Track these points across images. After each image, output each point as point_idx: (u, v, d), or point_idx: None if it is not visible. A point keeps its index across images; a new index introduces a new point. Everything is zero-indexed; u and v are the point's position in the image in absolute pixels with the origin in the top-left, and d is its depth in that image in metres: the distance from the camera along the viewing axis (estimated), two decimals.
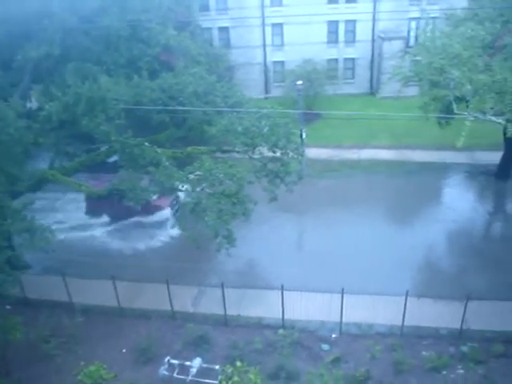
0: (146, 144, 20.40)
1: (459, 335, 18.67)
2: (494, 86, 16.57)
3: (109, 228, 26.98)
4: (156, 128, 22.98)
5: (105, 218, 27.54)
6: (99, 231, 26.74)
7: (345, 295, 18.34)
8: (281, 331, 18.95)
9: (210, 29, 39.84)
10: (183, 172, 19.52)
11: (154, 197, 22.98)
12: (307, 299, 19.72)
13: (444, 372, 17.44)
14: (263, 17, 39.99)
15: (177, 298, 20.06)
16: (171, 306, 19.92)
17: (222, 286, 18.94)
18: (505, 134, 19.33)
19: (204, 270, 22.57)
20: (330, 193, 28.62)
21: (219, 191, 19.17)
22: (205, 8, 39.44)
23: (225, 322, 19.70)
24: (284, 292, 18.67)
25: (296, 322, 19.37)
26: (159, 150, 20.56)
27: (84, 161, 23.64)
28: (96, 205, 27.06)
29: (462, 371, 17.47)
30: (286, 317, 19.17)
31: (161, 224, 26.47)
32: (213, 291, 20.14)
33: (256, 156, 20.71)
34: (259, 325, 19.59)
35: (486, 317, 19.04)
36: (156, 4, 25.47)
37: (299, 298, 19.54)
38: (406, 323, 18.66)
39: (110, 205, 26.40)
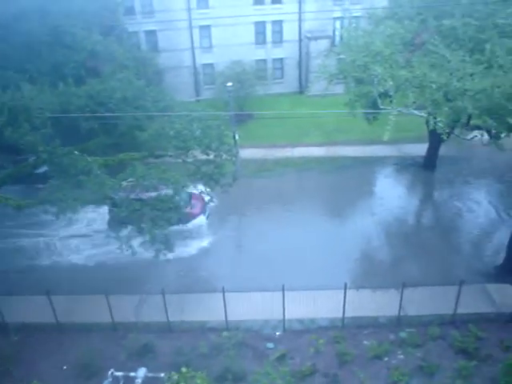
0: (76, 153, 19.77)
1: (398, 322, 19.32)
2: (415, 81, 17.30)
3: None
4: (85, 136, 22.29)
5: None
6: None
7: (286, 292, 18.54)
8: (225, 333, 18.93)
9: (136, 32, 39.21)
10: (116, 179, 19.07)
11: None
12: (250, 299, 19.91)
13: (385, 359, 17.99)
14: (190, 19, 39.83)
15: (117, 308, 19.55)
16: (112, 318, 19.43)
17: (163, 292, 18.68)
18: (428, 126, 20.23)
19: (144, 278, 22.16)
20: (266, 192, 28.87)
21: (154, 197, 18.88)
22: (130, 11, 38.75)
23: (168, 328, 19.44)
24: (226, 293, 18.63)
25: (240, 323, 19.39)
26: (90, 159, 19.97)
27: (11, 173, 22.59)
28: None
29: (402, 356, 18.08)
30: (229, 318, 19.14)
31: (195, 232, 25.44)
32: (154, 298, 19.80)
33: (189, 159, 20.56)
34: (203, 329, 19.47)
35: (421, 302, 19.82)
36: (79, 8, 24.74)
37: (242, 299, 19.69)
38: (346, 315, 19.10)
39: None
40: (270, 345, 18.76)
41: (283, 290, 18.39)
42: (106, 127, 21.94)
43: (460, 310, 19.14)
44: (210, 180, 20.52)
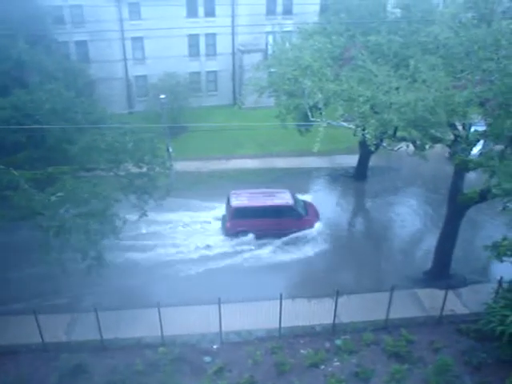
0: (1, 166, 18.91)
1: (333, 330, 19.68)
2: (343, 94, 17.86)
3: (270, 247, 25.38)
4: (12, 149, 21.45)
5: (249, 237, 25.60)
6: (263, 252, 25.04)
7: (223, 305, 18.48)
8: (161, 349, 18.57)
9: (66, 43, 38.11)
10: (44, 194, 18.37)
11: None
12: (186, 313, 19.73)
13: (322, 366, 18.27)
14: (122, 30, 39.26)
15: (48, 327, 18.77)
16: (41, 338, 18.60)
17: (96, 309, 18.12)
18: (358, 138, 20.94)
19: (76, 295, 21.42)
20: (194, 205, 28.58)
21: (85, 211, 18.33)
22: (59, 21, 37.61)
23: (102, 346, 18.84)
24: (162, 308, 18.32)
25: (176, 338, 19.10)
26: (16, 172, 19.16)
27: None
28: (240, 224, 25.29)
29: (338, 363, 18.43)
30: (165, 334, 18.81)
31: (310, 239, 25.77)
32: (87, 316, 19.13)
33: (122, 173, 20.17)
34: (139, 345, 19.01)
35: (355, 309, 20.37)
36: (3, 16, 23.80)
37: (178, 313, 19.44)
38: (283, 325, 19.25)
39: (259, 222, 25.18)
40: (208, 359, 18.58)
41: (219, 302, 18.31)
42: (34, 140, 21.20)
43: (392, 316, 19.78)
44: (143, 193, 20.19)
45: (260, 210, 25.40)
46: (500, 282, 19.81)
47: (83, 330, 19.27)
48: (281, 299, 18.57)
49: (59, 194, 18.32)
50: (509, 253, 15.67)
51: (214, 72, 42.89)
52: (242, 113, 35.00)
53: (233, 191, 26.59)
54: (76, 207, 18.35)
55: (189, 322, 19.43)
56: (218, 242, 25.59)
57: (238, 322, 19.49)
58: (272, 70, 21.32)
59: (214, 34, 41.29)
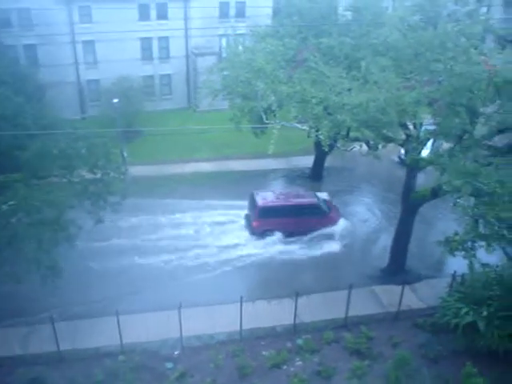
0: None
1: (294, 330, 19.81)
2: (296, 96, 18.08)
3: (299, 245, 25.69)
4: None
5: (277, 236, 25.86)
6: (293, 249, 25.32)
7: (183, 309, 18.32)
8: (121, 357, 18.25)
9: (14, 46, 36.97)
10: None
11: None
12: (145, 320, 19.45)
13: (284, 367, 18.34)
14: (73, 34, 38.42)
15: (1, 341, 18.16)
16: None
17: (52, 320, 17.65)
18: (312, 139, 21.22)
19: (31, 306, 20.80)
20: (156, 209, 28.25)
21: (38, 220, 17.80)
22: (6, 24, 36.49)
23: (60, 358, 18.33)
24: (120, 316, 18.00)
25: (136, 345, 18.77)
26: None
27: None
28: (266, 223, 25.30)
29: (300, 363, 18.54)
30: (125, 341, 18.46)
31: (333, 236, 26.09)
32: (44, 328, 18.61)
33: (76, 179, 19.73)
34: (98, 355, 18.56)
35: (316, 308, 20.57)
36: None
37: (137, 320, 19.14)
38: (244, 327, 19.25)
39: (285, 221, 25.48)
40: (169, 365, 18.37)
41: (179, 307, 18.15)
42: None
43: (351, 313, 20.09)
44: (98, 199, 19.79)
45: (286, 208, 25.98)
46: (453, 276, 20.44)
47: (39, 342, 18.69)
48: (241, 302, 18.58)
49: (11, 203, 17.76)
50: (460, 247, 16.15)
51: (168, 75, 42.56)
52: (197, 116, 34.93)
53: (255, 191, 27.12)
54: (29, 216, 17.81)
55: (149, 328, 19.15)
56: (246, 241, 25.98)
57: (199, 326, 19.39)
58: (225, 72, 21.35)
59: (167, 37, 40.96)
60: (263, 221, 25.67)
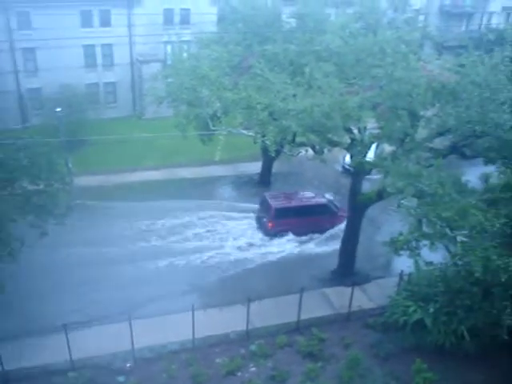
0: None
1: (247, 336, 19.84)
2: (242, 103, 18.18)
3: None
4: None
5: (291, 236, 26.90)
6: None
7: (134, 321, 18.02)
8: (71, 374, 17.71)
9: None
10: None
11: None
12: (95, 333, 18.97)
13: (239, 373, 18.35)
14: (11, 41, 37.12)
15: None
16: None
17: None
18: (258, 145, 21.33)
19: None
20: (104, 219, 27.64)
21: None
22: None
23: (5, 379, 17.57)
24: (68, 331, 17.48)
25: (87, 360, 18.28)
26: None
27: None
28: (281, 223, 26.22)
29: (254, 369, 18.59)
30: (75, 357, 17.92)
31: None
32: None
33: (18, 191, 19.04)
34: (46, 373, 17.91)
35: (268, 314, 20.68)
36: None
37: (86, 334, 18.64)
38: (196, 336, 19.12)
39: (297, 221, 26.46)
40: (121, 378, 18.00)
41: (129, 319, 17.81)
42: None
43: (303, 316, 20.30)
44: (41, 211, 19.13)
45: (298, 209, 27.10)
46: (401, 276, 21.01)
47: None
48: (193, 310, 18.45)
49: None
50: (405, 247, 16.63)
51: (113, 83, 41.74)
52: (143, 124, 34.50)
53: (267, 193, 28.06)
54: None
55: (100, 342, 18.72)
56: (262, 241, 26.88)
57: (150, 336, 19.10)
58: (170, 79, 21.21)
59: (110, 45, 40.16)
60: (278, 221, 26.61)
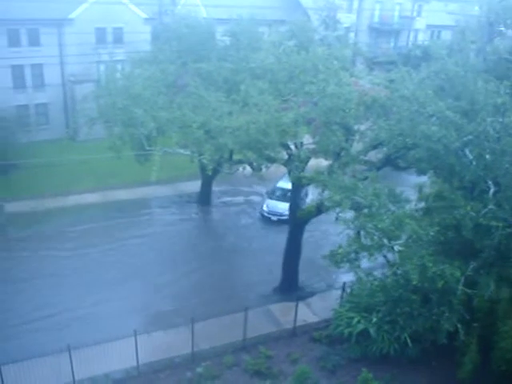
0: None
1: (193, 358, 19.39)
2: (177, 122, 18.02)
3: None
4: None
5: None
6: None
7: (74, 351, 17.20)
8: None
9: None
10: None
11: None
12: (29, 368, 17.79)
13: None
14: None
15: None
16: None
17: None
18: (196, 164, 21.19)
19: None
20: (40, 247, 26.49)
21: None
22: None
23: None
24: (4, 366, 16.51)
25: None
26: None
27: None
28: None
29: None
30: None
31: None
32: None
33: None
34: None
35: (213, 334, 20.35)
36: None
37: (19, 370, 17.44)
38: (141, 362, 18.52)
39: None
40: None
41: (69, 349, 17.01)
42: None
43: (249, 335, 20.14)
44: None
45: None
46: (343, 288, 21.28)
47: None
48: (135, 335, 17.87)
49: None
50: (345, 259, 16.85)
51: (44, 104, 40.36)
52: (77, 146, 33.56)
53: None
54: None
55: (37, 377, 17.67)
56: None
57: (92, 366, 18.22)
58: (102, 100, 20.74)
59: (40, 65, 38.93)
60: None
